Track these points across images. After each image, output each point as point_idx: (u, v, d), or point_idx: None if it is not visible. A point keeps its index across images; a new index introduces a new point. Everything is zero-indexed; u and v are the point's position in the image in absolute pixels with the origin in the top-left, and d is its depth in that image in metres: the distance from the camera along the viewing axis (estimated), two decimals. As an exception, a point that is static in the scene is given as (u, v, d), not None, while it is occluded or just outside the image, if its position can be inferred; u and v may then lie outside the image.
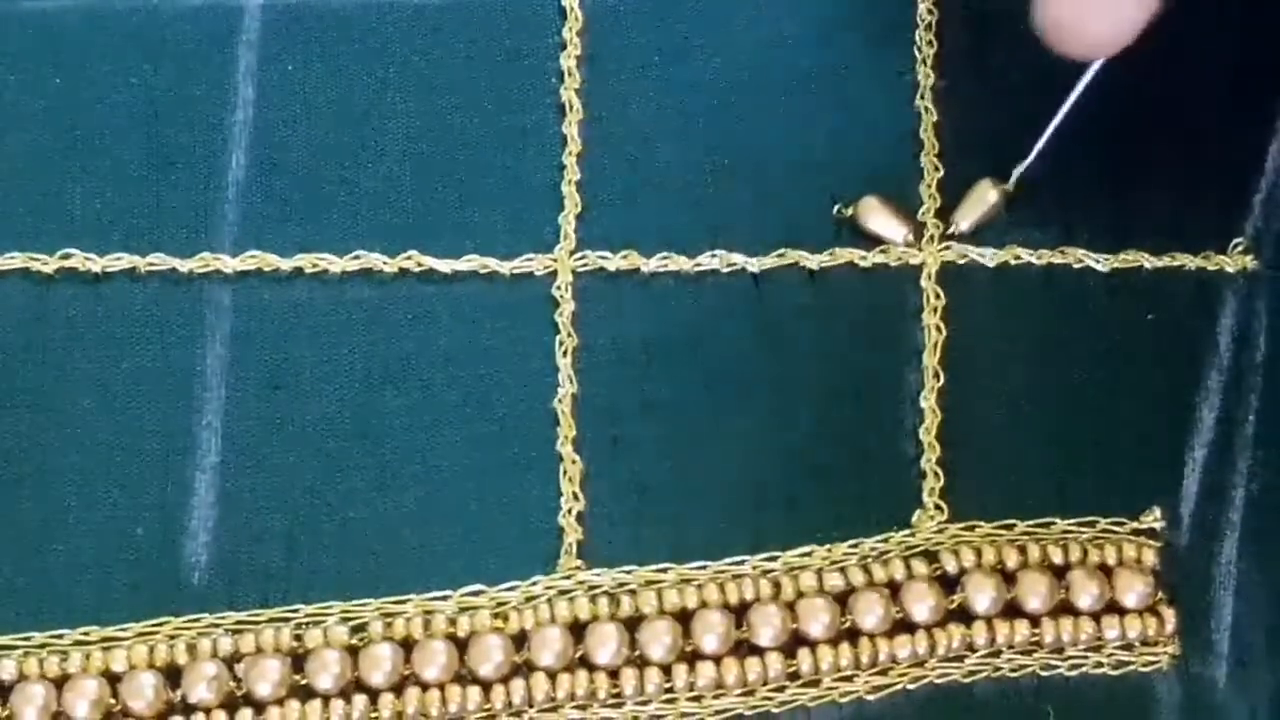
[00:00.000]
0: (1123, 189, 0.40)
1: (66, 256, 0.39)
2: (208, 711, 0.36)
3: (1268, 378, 0.38)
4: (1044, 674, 0.37)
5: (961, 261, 0.39)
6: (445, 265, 0.39)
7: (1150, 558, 0.37)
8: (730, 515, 0.38)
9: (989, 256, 0.39)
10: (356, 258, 0.39)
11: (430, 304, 0.39)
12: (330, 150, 0.40)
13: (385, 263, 0.39)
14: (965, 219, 0.39)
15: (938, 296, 0.39)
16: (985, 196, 0.39)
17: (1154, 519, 0.37)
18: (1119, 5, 0.35)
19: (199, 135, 0.40)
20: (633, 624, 0.37)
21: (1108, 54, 0.36)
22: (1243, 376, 0.38)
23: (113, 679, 0.36)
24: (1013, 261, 0.39)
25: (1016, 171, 0.39)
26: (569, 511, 0.38)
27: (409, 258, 0.39)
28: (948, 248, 0.39)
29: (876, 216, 0.39)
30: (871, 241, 0.39)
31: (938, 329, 0.39)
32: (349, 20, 0.41)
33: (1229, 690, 0.36)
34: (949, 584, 0.37)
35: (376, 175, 0.40)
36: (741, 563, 0.37)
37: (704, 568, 0.37)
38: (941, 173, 0.40)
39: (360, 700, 0.36)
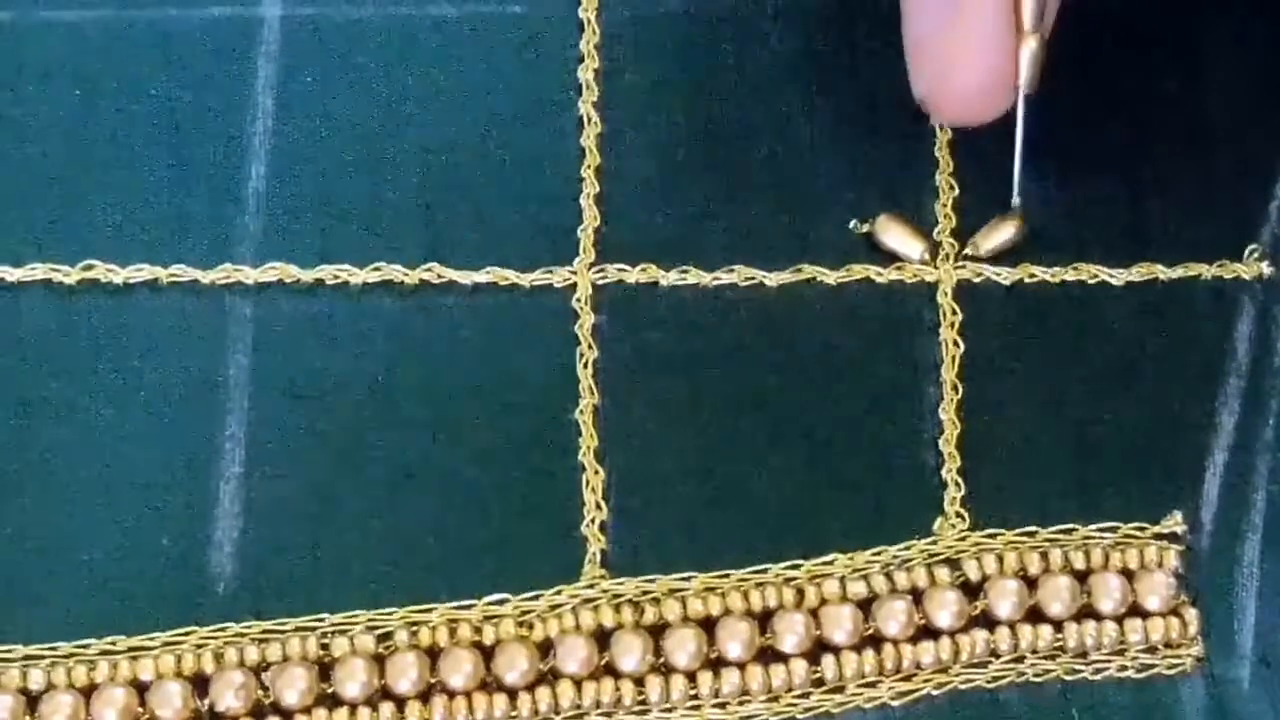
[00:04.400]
0: (1136, 200, 0.40)
1: (89, 268, 0.39)
2: (235, 720, 0.36)
3: None
4: (1068, 678, 0.37)
5: (977, 279, 0.39)
6: (465, 277, 0.39)
7: (1172, 561, 0.37)
8: (752, 524, 0.38)
9: (1004, 275, 0.39)
10: (377, 269, 0.39)
11: (451, 315, 0.39)
12: (350, 162, 0.40)
13: (405, 274, 0.39)
14: (983, 245, 0.40)
15: (954, 312, 0.39)
16: (1004, 227, 0.39)
17: (1175, 523, 0.37)
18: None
19: (219, 147, 0.40)
20: (657, 631, 0.37)
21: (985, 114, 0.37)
22: (1261, 381, 0.38)
23: (140, 688, 0.36)
24: (1027, 279, 0.39)
25: (1015, 195, 0.39)
26: (592, 521, 0.38)
27: (429, 269, 0.39)
28: (963, 266, 0.40)
29: (893, 233, 0.40)
30: (888, 258, 0.40)
31: (955, 344, 0.39)
32: (368, 32, 0.41)
33: (1253, 691, 0.36)
34: (971, 590, 0.37)
35: (396, 187, 0.40)
36: (764, 570, 0.37)
37: (727, 575, 0.37)
38: (957, 192, 0.40)
39: (387, 708, 0.36)
